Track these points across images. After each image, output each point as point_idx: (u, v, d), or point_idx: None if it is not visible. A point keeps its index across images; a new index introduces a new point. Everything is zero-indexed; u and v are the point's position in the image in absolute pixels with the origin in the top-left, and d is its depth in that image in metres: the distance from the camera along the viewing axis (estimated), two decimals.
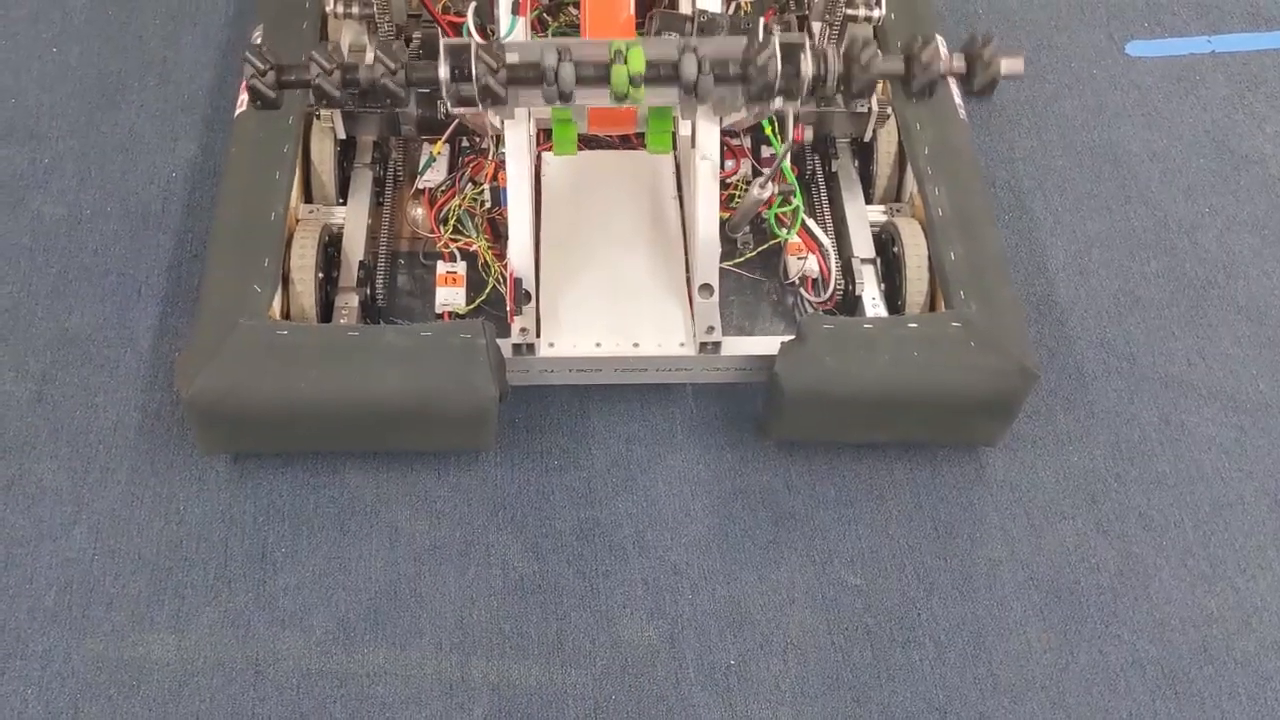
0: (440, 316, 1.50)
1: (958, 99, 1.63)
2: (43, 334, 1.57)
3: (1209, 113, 1.92)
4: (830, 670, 1.34)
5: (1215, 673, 1.37)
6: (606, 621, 1.36)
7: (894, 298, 1.54)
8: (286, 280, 1.45)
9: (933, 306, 1.51)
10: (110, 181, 1.73)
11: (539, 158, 1.59)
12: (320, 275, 1.47)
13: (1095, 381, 1.60)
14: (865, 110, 1.61)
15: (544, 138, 1.58)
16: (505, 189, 1.39)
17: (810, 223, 1.58)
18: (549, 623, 1.36)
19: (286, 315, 1.44)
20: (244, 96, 1.58)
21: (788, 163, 1.53)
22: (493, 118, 1.36)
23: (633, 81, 1.16)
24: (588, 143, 1.60)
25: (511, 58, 1.16)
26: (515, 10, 1.35)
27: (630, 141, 1.63)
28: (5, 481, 1.44)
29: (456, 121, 1.55)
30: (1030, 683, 1.35)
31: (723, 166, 1.52)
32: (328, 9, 1.54)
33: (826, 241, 1.58)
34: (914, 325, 1.42)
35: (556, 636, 1.35)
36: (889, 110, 1.62)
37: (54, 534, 1.40)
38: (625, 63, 1.16)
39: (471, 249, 1.56)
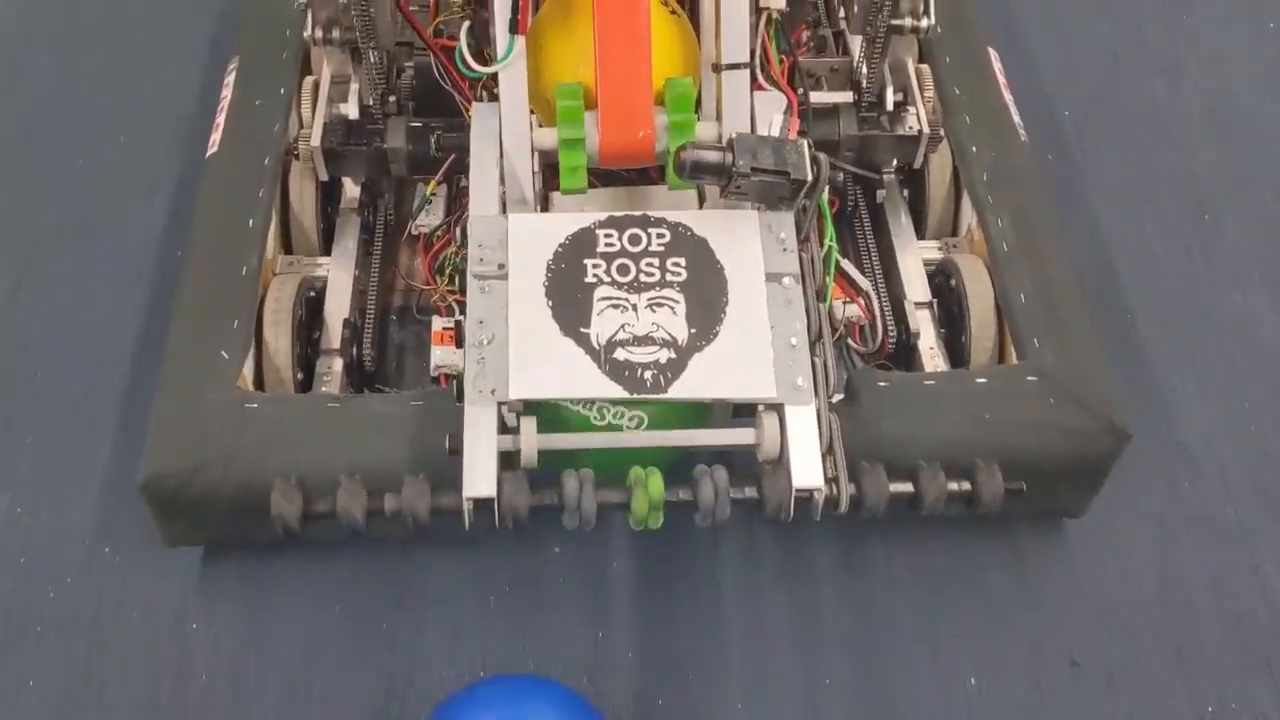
0: (436, 380, 1.31)
1: (1016, 117, 1.45)
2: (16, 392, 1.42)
3: None
4: None
5: None
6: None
7: (954, 345, 1.35)
8: (260, 344, 1.27)
9: (1001, 354, 1.32)
10: (77, 233, 1.57)
11: (546, 199, 1.40)
12: (299, 338, 1.29)
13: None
14: (915, 133, 1.42)
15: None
16: None
17: (846, 264, 1.39)
18: None
19: (260, 384, 1.27)
20: (215, 136, 1.42)
21: (825, 197, 1.32)
22: None
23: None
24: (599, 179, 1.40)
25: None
26: (513, 29, 1.18)
27: (649, 175, 1.44)
28: None
29: (452, 158, 1.38)
30: None
31: None
32: (305, 34, 1.37)
33: (866, 285, 1.39)
34: (983, 380, 1.22)
35: None
36: (941, 132, 1.43)
37: None
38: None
39: None
